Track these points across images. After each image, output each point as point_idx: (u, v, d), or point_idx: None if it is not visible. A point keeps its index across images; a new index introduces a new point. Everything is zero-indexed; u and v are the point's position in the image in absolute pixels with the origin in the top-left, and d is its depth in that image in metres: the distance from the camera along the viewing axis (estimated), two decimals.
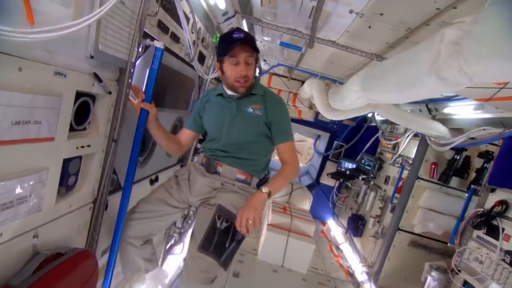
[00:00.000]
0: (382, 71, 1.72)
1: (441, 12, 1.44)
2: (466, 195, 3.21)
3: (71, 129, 1.04)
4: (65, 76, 0.90)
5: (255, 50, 1.36)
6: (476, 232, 2.25)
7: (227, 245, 1.32)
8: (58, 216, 1.07)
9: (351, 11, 1.71)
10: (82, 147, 1.09)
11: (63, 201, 1.08)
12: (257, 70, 4.21)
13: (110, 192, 1.39)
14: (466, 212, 2.40)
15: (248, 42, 1.32)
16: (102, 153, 1.23)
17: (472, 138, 2.39)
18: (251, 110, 1.41)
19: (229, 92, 1.45)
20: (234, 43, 1.30)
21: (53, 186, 1.00)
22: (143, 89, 1.38)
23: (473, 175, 3.13)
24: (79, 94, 1.02)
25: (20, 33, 0.67)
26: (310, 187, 5.37)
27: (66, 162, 1.05)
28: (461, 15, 1.38)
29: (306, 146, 7.25)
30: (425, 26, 1.62)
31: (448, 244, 2.44)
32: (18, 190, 0.84)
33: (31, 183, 0.89)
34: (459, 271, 2.27)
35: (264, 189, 1.32)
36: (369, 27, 1.83)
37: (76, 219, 1.18)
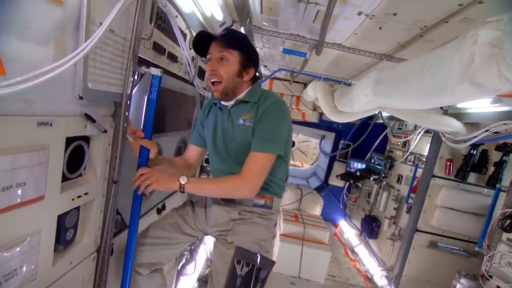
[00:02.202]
0: (399, 76, 1.58)
1: (463, 8, 1.31)
2: (485, 190, 3.09)
3: (64, 179, 0.91)
4: (50, 124, 0.76)
5: (235, 47, 1.18)
6: (506, 235, 2.12)
7: None
8: (57, 278, 0.94)
9: (360, 13, 1.58)
10: (79, 196, 0.96)
11: (61, 259, 0.95)
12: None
13: (114, 234, 1.27)
14: (493, 213, 2.25)
15: (222, 37, 1.17)
16: (102, 198, 1.10)
17: (496, 133, 2.24)
18: (242, 121, 1.23)
19: (222, 101, 1.30)
20: (207, 33, 1.21)
21: (48, 249, 0.87)
22: (142, 120, 1.24)
23: (491, 169, 2.99)
24: (70, 139, 0.89)
25: None
26: (318, 189, 5.24)
27: (62, 217, 0.92)
28: (487, 11, 1.25)
29: (311, 146, 7.13)
30: (443, 24, 1.49)
31: (476, 248, 2.30)
32: (4, 265, 0.71)
33: (20, 252, 0.76)
34: (490, 276, 2.13)
35: (182, 179, 1.11)
36: (380, 28, 1.70)
37: (78, 274, 1.05)
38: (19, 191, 0.71)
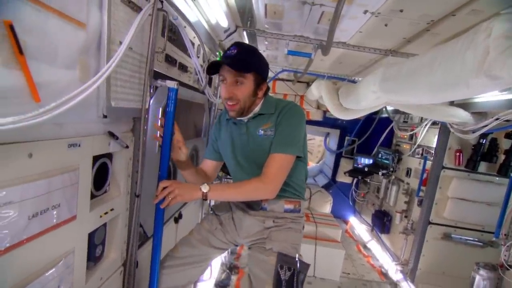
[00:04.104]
0: (408, 72, 1.58)
1: (471, 0, 1.30)
2: (497, 178, 3.07)
3: (92, 196, 0.92)
4: (79, 145, 0.78)
5: (249, 70, 1.18)
6: None
7: None
8: None
9: (365, 12, 1.58)
10: (106, 213, 0.97)
11: (92, 276, 0.96)
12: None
13: (138, 246, 1.28)
14: (509, 202, 2.24)
15: (235, 63, 1.15)
16: (126, 212, 1.12)
17: (506, 121, 2.23)
18: (262, 132, 1.25)
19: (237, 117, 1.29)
20: (223, 62, 1.17)
21: (81, 267, 0.88)
22: (158, 132, 1.25)
23: (502, 157, 2.97)
24: (95, 158, 0.90)
25: (27, 118, 0.55)
26: (327, 187, 5.23)
27: (91, 234, 0.93)
28: (495, 3, 1.25)
29: (316, 144, 7.11)
30: (450, 17, 1.49)
31: (493, 238, 2.29)
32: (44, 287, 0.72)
33: (57, 273, 0.77)
34: (510, 266, 2.12)
35: (204, 187, 1.11)
36: (386, 25, 1.70)
37: None
38: (55, 213, 0.73)
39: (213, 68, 1.21)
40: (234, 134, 1.32)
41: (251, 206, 1.31)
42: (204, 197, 1.12)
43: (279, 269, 1.18)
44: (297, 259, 1.21)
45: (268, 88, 1.30)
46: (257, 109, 1.27)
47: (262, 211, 1.30)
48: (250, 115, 1.27)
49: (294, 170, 1.24)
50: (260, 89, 1.25)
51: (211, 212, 1.46)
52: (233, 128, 1.33)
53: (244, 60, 1.17)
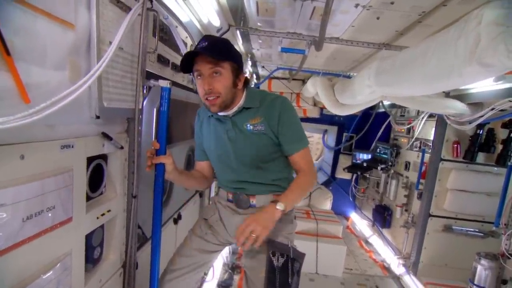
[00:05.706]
0: (401, 64, 1.59)
1: None
2: (495, 169, 3.08)
3: (88, 198, 0.92)
4: (72, 146, 0.77)
5: (226, 58, 1.12)
6: None
7: (290, 282, 1.18)
8: None
9: (356, 5, 1.58)
10: (103, 214, 0.97)
11: (91, 278, 0.96)
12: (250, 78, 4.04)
13: (137, 248, 1.27)
14: (508, 192, 2.25)
15: (210, 51, 1.08)
16: (123, 213, 1.11)
17: (501, 110, 2.23)
18: (251, 127, 1.21)
19: (220, 113, 1.23)
20: (194, 55, 1.10)
21: (79, 269, 0.88)
22: (153, 133, 1.25)
23: (499, 147, 2.98)
24: (89, 159, 0.90)
25: (16, 119, 0.55)
26: (326, 184, 5.24)
27: (89, 236, 0.93)
28: None
29: (314, 141, 7.12)
30: (441, 7, 1.49)
31: (493, 228, 2.30)
32: None
33: (54, 275, 0.76)
34: (511, 255, 2.13)
35: (279, 206, 1.12)
36: (377, 18, 1.70)
37: None
38: (50, 215, 0.72)
39: (187, 64, 1.14)
40: (219, 130, 1.27)
41: (240, 205, 1.30)
42: (283, 213, 1.14)
43: (271, 256, 1.17)
44: (289, 245, 1.21)
45: (247, 80, 1.26)
46: (241, 102, 1.23)
47: (251, 209, 1.29)
48: (235, 109, 1.22)
49: (284, 164, 1.27)
50: (239, 79, 1.19)
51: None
52: (217, 125, 1.28)
53: (218, 48, 1.11)
